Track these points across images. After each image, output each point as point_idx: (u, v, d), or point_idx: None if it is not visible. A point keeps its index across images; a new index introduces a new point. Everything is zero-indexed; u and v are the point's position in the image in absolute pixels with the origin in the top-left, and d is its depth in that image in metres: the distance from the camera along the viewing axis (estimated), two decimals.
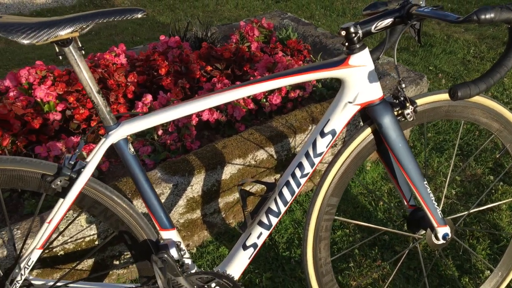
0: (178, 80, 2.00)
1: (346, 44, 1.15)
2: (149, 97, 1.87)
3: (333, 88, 2.26)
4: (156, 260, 1.13)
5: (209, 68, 2.15)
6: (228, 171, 1.71)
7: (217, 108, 1.96)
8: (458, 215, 1.48)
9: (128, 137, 1.85)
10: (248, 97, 2.05)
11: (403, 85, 1.19)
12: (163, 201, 1.59)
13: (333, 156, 1.28)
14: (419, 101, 1.25)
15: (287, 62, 2.17)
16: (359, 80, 1.17)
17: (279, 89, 2.08)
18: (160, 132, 1.85)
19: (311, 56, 2.51)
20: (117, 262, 1.61)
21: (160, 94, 1.89)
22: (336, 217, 1.33)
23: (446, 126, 2.56)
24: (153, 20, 4.60)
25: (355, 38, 1.13)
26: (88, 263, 1.54)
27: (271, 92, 2.07)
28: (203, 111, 1.93)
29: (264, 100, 2.06)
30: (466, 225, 1.92)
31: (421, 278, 1.69)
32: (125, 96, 1.95)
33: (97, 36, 4.25)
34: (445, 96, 1.27)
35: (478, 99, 1.31)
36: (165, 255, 1.15)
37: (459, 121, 2.59)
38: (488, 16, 0.97)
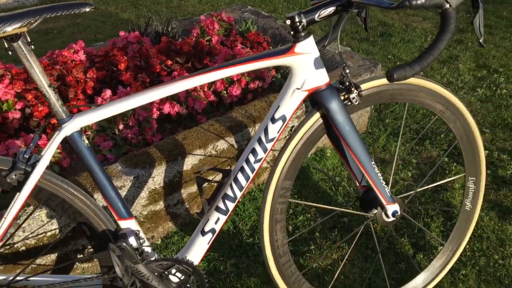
0: (137, 75, 2.02)
1: (292, 32, 1.20)
2: (108, 92, 1.88)
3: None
4: (114, 249, 1.15)
5: (169, 62, 2.17)
6: (190, 162, 1.75)
7: (178, 101, 1.99)
8: (406, 194, 1.56)
9: (89, 133, 1.87)
10: (209, 88, 2.08)
11: (347, 71, 1.24)
12: (124, 193, 1.61)
13: (285, 141, 1.33)
14: (363, 86, 1.31)
15: (246, 54, 2.21)
16: (305, 67, 1.22)
17: (239, 81, 2.12)
18: (121, 126, 1.87)
19: (271, 47, 2.56)
20: (81, 256, 1.62)
21: (120, 89, 1.91)
22: (290, 200, 1.38)
23: (403, 112, 2.65)
24: (116, 17, 4.57)
25: (300, 27, 1.18)
26: (51, 258, 1.56)
27: (231, 83, 2.11)
28: (164, 104, 1.95)
29: (225, 92, 2.10)
30: (420, 204, 2.00)
31: (378, 255, 1.77)
32: (84, 92, 1.95)
33: (59, 35, 4.20)
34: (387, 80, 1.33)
35: (421, 82, 1.38)
36: (124, 244, 1.18)
37: (417, 107, 2.69)
38: (419, 1, 1.03)
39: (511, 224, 1.88)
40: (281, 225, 1.37)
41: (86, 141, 1.17)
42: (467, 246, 1.78)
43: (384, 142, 2.40)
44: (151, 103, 1.94)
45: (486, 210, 1.95)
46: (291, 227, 1.91)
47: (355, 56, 2.33)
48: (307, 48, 1.21)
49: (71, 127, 1.13)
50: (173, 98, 1.99)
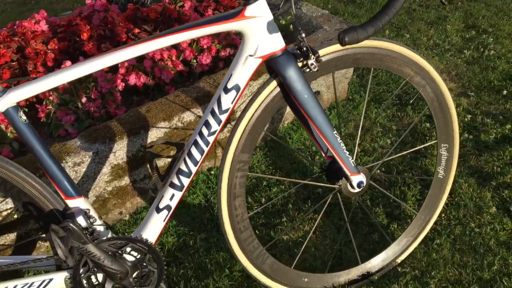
0: (101, 45, 1.93)
1: None
2: (68, 64, 1.80)
3: None
4: (56, 229, 1.10)
5: (136, 30, 2.08)
6: (154, 135, 1.68)
7: (144, 71, 1.91)
8: (374, 164, 1.50)
9: (50, 107, 1.79)
10: (178, 57, 1.99)
11: (303, 35, 1.16)
12: (84, 169, 1.56)
13: (240, 112, 1.26)
14: (322, 51, 1.23)
15: None
16: (257, 31, 1.14)
17: (209, 49, 2.03)
18: (83, 99, 1.79)
19: None
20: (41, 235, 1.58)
21: (80, 59, 1.82)
22: (250, 173, 1.32)
23: (385, 77, 2.56)
24: None
25: None
26: (10, 237, 1.52)
27: (201, 52, 2.02)
28: (129, 74, 1.87)
29: (194, 61, 2.01)
30: (399, 173, 1.95)
31: (351, 226, 1.72)
32: (45, 65, 1.87)
33: (37, 5, 4.08)
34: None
35: (387, 45, 1.30)
36: (70, 224, 1.13)
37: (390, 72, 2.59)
38: None
39: (490, 191, 1.82)
40: (240, 200, 1.31)
41: (24, 117, 1.11)
42: (443, 215, 1.73)
43: (365, 109, 2.33)
44: (115, 74, 1.86)
45: (466, 177, 1.89)
46: (263, 199, 1.86)
47: (333, 20, 2.23)
48: (258, 11, 1.12)
49: (4, 103, 1.06)
50: (139, 68, 1.91)
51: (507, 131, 2.11)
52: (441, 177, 1.54)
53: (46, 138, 1.76)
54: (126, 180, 1.70)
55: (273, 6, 1.18)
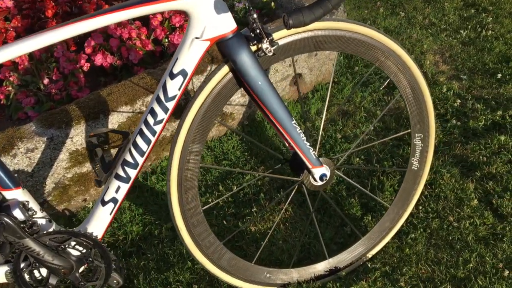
0: None
1: None
2: None
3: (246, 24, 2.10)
4: None
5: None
6: (115, 120, 1.60)
7: (111, 51, 1.81)
8: (341, 155, 1.40)
9: (10, 88, 1.71)
10: (148, 37, 1.89)
11: (255, 15, 1.06)
12: (38, 155, 1.48)
13: (189, 100, 1.17)
14: (277, 34, 1.12)
15: None
16: (203, 11, 1.04)
17: (181, 27, 1.92)
18: (45, 80, 1.71)
19: None
20: None
21: None
22: (202, 165, 1.24)
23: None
24: None
25: None
26: None
27: (173, 30, 1.92)
28: (95, 54, 1.78)
29: (166, 40, 1.91)
30: (378, 161, 1.85)
31: (324, 218, 1.64)
32: (6, 43, 1.78)
33: None
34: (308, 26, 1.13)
35: (352, 27, 1.19)
36: (3, 217, 1.06)
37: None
38: None
39: (473, 182, 1.73)
40: (193, 193, 1.23)
41: None
42: (421, 207, 1.64)
43: (349, 93, 2.22)
44: (79, 54, 1.76)
45: (449, 167, 1.79)
46: (235, 187, 1.78)
47: None
48: None
49: None
50: (106, 48, 1.81)
51: (497, 117, 2.00)
52: (415, 168, 1.44)
53: (5, 121, 1.69)
54: (88, 167, 1.63)
55: None
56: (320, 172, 1.25)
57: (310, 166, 1.24)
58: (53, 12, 1.83)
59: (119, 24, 1.84)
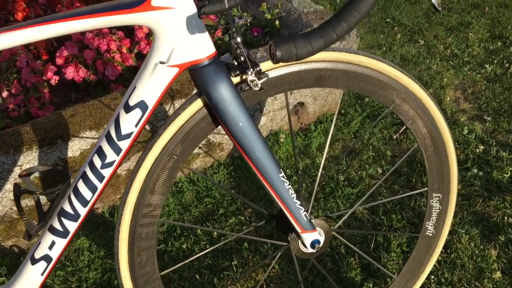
0: None
1: None
2: None
3: (246, 41, 1.86)
4: None
5: None
6: (77, 147, 1.35)
7: (85, 64, 1.57)
8: (338, 213, 1.14)
9: None
10: (130, 50, 1.66)
11: (239, 39, 0.81)
12: None
13: (150, 139, 0.92)
14: (265, 64, 0.88)
15: None
16: (171, 28, 0.80)
17: None
18: (4, 93, 1.47)
19: None
20: None
21: None
22: (162, 220, 0.99)
23: None
24: None
25: None
26: None
27: None
28: (67, 66, 1.54)
29: None
30: (386, 213, 1.58)
31: (316, 281, 1.38)
32: None
33: None
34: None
35: (365, 60, 0.94)
36: None
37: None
38: None
39: (496, 248, 1.46)
40: (149, 255, 0.97)
41: None
42: (432, 276, 1.37)
43: (357, 127, 1.96)
44: (46, 65, 1.53)
45: (468, 226, 1.52)
46: (215, 233, 1.52)
47: (327, 18, 1.86)
48: (172, 1, 0.78)
49: None
50: (79, 60, 1.58)
51: None
52: (430, 234, 1.18)
53: None
54: (42, 199, 1.38)
55: None
56: (311, 238, 1.00)
57: (299, 230, 0.99)
58: (23, 15, 1.60)
59: (98, 34, 1.60)
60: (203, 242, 1.48)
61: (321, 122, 1.97)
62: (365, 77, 0.97)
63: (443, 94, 2.16)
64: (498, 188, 1.69)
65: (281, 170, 0.92)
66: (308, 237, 1.00)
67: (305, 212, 0.97)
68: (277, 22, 1.90)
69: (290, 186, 0.94)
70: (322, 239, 1.02)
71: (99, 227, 1.53)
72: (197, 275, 1.39)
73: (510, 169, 1.73)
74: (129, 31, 1.72)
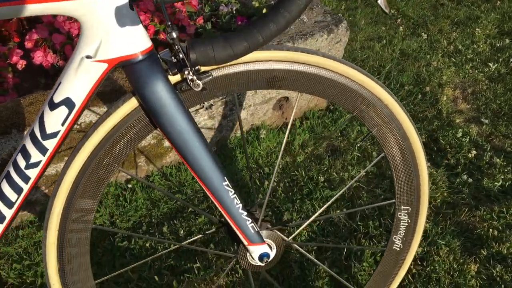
0: None
1: None
2: None
3: (230, 30, 1.77)
4: None
5: None
6: None
7: (53, 48, 1.50)
8: (293, 224, 1.07)
9: None
10: None
11: (174, 35, 0.72)
12: None
13: (79, 141, 0.85)
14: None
15: None
16: (98, 19, 0.71)
17: (146, 29, 1.60)
18: None
19: None
20: None
21: None
22: (96, 226, 0.92)
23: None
24: None
25: None
26: None
27: None
28: (35, 51, 1.47)
29: None
30: (363, 219, 1.50)
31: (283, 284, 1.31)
32: None
33: None
34: (259, 55, 0.80)
35: (325, 62, 0.85)
36: None
37: (394, 80, 2.10)
38: None
39: (477, 262, 1.37)
40: (80, 262, 0.91)
41: None
42: None
43: (345, 125, 1.87)
44: (12, 49, 1.46)
45: (449, 237, 1.43)
46: (182, 231, 1.45)
47: (316, 8, 1.75)
48: None
49: None
50: (49, 44, 1.51)
51: None
52: (397, 249, 1.09)
53: None
54: None
55: None
56: (260, 251, 0.92)
57: (246, 243, 0.91)
58: None
59: (70, 18, 1.53)
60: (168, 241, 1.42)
61: (307, 118, 1.87)
62: (325, 80, 0.88)
63: (440, 93, 2.05)
64: (487, 197, 1.59)
65: (225, 178, 0.84)
66: (256, 250, 0.92)
67: (252, 224, 0.89)
68: (264, 10, 1.80)
69: (235, 195, 0.86)
70: (272, 252, 0.94)
71: None
72: (156, 277, 1.32)
73: (502, 177, 1.63)
74: None
